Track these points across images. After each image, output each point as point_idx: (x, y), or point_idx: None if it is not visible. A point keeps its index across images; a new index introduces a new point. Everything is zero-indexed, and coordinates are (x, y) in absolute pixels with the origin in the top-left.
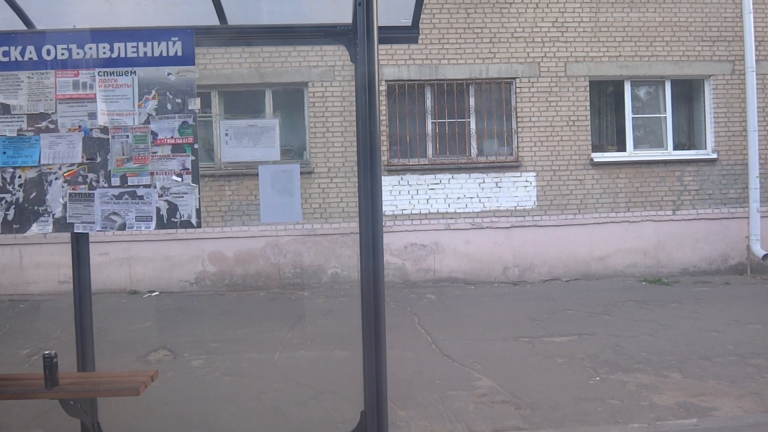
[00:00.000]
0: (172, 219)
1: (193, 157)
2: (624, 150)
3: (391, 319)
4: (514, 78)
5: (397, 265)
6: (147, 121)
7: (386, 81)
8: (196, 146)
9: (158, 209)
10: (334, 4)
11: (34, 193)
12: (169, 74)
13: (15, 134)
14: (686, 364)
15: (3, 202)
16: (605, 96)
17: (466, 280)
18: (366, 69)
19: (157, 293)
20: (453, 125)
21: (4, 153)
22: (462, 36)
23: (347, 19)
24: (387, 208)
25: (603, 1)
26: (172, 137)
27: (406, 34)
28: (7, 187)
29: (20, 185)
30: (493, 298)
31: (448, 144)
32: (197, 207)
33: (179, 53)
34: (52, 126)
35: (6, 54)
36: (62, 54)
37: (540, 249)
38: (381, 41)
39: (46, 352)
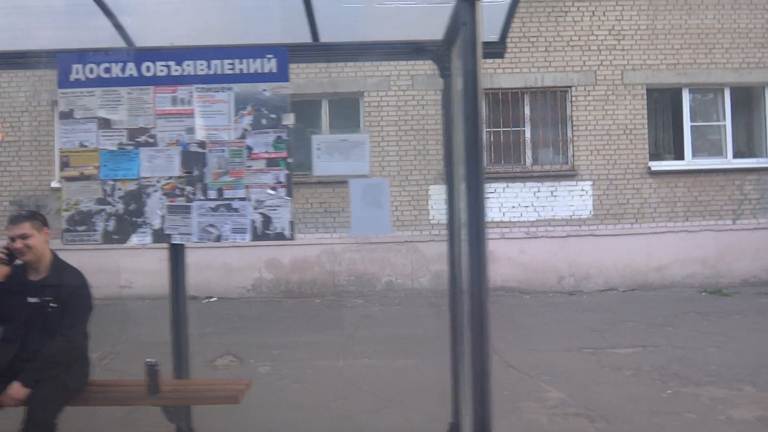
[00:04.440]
0: (266, 231)
1: (287, 171)
2: (682, 158)
3: (447, 328)
4: (570, 86)
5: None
6: (243, 136)
7: (441, 90)
8: (290, 160)
9: (253, 221)
10: (421, 21)
11: (133, 205)
12: (264, 90)
13: (115, 148)
14: (758, 377)
15: (103, 213)
16: (662, 104)
17: (521, 290)
18: (471, 84)
19: (215, 299)
20: (508, 134)
21: (105, 166)
22: (517, 45)
23: (432, 34)
24: (441, 216)
25: (660, 8)
26: (266, 152)
27: (494, 50)
28: (108, 199)
29: (120, 197)
30: (550, 308)
31: (503, 153)
32: (290, 220)
33: (274, 70)
34: (151, 140)
35: (108, 70)
36: (161, 70)
37: (596, 259)
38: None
39: (149, 360)
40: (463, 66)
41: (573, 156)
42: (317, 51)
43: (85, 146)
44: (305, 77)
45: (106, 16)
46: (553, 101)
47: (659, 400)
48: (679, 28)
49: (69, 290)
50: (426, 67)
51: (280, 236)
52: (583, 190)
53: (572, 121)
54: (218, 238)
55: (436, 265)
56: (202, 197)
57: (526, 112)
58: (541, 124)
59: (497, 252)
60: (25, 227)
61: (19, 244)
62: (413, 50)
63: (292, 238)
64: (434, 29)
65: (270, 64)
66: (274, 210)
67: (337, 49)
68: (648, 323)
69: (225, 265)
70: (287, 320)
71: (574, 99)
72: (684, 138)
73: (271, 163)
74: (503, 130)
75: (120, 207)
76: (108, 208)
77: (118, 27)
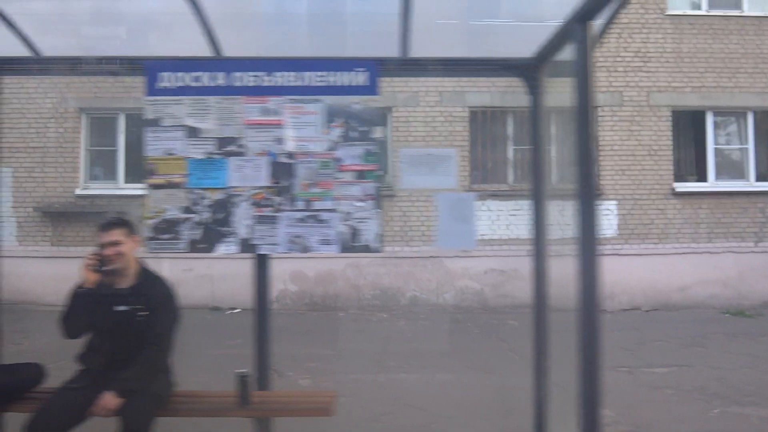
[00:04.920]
0: (354, 243)
1: (376, 184)
2: (705, 180)
3: (479, 344)
4: (596, 107)
5: (475, 289)
6: (332, 148)
7: (468, 107)
8: (379, 173)
9: (341, 233)
10: (507, 40)
11: (220, 214)
12: (354, 103)
13: (203, 157)
14: None
15: (189, 222)
16: (686, 126)
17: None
18: (583, 101)
19: (239, 310)
20: (527, 152)
21: (193, 174)
22: None
23: (518, 52)
24: None
25: (685, 31)
26: (356, 164)
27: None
28: (195, 207)
29: (207, 206)
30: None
31: (529, 171)
32: (378, 232)
33: (363, 83)
34: (239, 150)
35: (197, 79)
36: (250, 81)
37: (620, 278)
38: (553, 74)
39: (240, 370)
40: (578, 84)
41: (598, 175)
42: (406, 65)
43: (172, 154)
44: None
45: (200, 25)
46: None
47: (708, 419)
48: (703, 51)
49: (158, 298)
50: (454, 83)
51: (366, 249)
52: (608, 209)
53: (598, 141)
54: (305, 249)
55: (461, 281)
56: (290, 208)
57: (552, 131)
58: (567, 143)
59: (522, 269)
60: (117, 234)
61: (110, 251)
62: (502, 67)
63: (379, 251)
64: (520, 47)
65: (359, 77)
66: (363, 222)
67: (426, 64)
68: (678, 343)
69: (249, 276)
70: (314, 333)
71: (600, 119)
72: (707, 160)
73: (360, 175)
74: (529, 149)
75: (206, 216)
76: (195, 217)
77: (210, 35)
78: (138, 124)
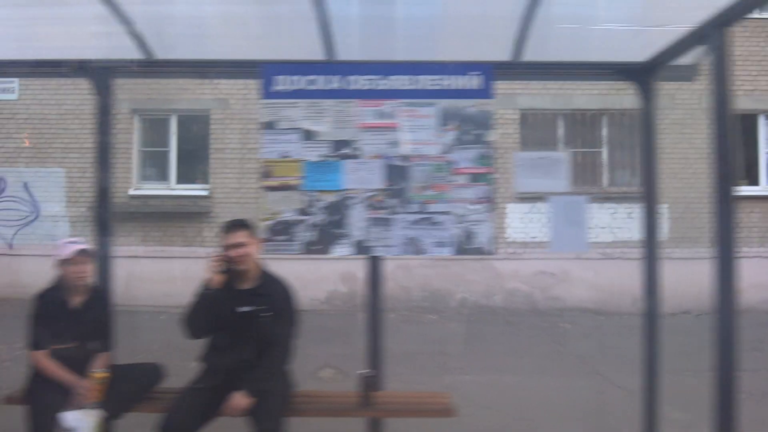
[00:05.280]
0: (467, 246)
1: (490, 186)
2: (757, 184)
3: (534, 347)
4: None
5: (525, 292)
6: (446, 151)
7: (520, 109)
8: (493, 176)
9: (456, 236)
10: (620, 45)
11: (334, 216)
12: (468, 107)
13: (318, 159)
14: None
15: (305, 224)
16: (738, 129)
17: (595, 311)
18: (721, 105)
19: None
20: (585, 155)
21: (308, 177)
22: None
23: (629, 57)
24: (518, 235)
25: (738, 34)
26: (470, 167)
27: (686, 73)
28: (310, 209)
29: (322, 208)
30: (629, 330)
31: (580, 173)
32: (492, 235)
33: (478, 86)
34: (353, 152)
35: (312, 82)
36: (365, 84)
37: (670, 281)
38: (664, 79)
39: (364, 371)
40: (716, 89)
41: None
42: (520, 69)
43: (287, 157)
44: None
45: (319, 28)
46: (630, 123)
47: None
48: (756, 55)
49: (280, 300)
50: (505, 87)
51: (479, 251)
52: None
53: None
54: (419, 251)
55: (510, 283)
56: (404, 210)
57: (603, 134)
58: (619, 146)
59: (572, 272)
60: (242, 236)
61: (235, 252)
62: (616, 72)
63: (492, 253)
64: (632, 52)
65: (473, 81)
66: (477, 225)
67: (540, 67)
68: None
69: (300, 276)
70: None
71: None
72: (759, 164)
73: (475, 178)
74: (581, 151)
75: (321, 218)
76: (309, 219)
77: (327, 39)
78: (189, 124)
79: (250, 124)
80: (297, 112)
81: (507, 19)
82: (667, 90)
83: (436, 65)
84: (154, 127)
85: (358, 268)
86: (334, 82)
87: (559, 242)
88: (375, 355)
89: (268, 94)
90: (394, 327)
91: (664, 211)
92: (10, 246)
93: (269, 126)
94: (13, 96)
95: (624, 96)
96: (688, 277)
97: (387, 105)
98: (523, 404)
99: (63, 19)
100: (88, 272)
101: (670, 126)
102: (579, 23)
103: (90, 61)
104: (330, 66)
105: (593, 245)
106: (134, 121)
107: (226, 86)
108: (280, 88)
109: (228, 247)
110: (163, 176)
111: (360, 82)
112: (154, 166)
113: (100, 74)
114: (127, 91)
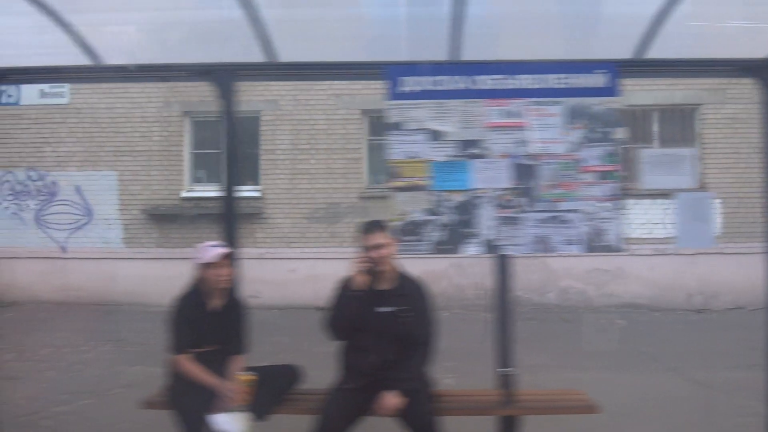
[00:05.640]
0: (596, 243)
1: (618, 184)
2: None
3: (597, 344)
4: (699, 104)
5: (579, 289)
6: (573, 149)
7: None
8: (621, 173)
9: (585, 233)
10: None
11: (463, 216)
12: (594, 105)
13: (446, 159)
14: None
15: (434, 224)
16: None
17: (650, 306)
18: None
19: None
20: (638, 150)
21: (436, 177)
22: None
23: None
24: None
25: None
26: (598, 164)
27: None
28: (438, 209)
29: (450, 208)
30: (687, 326)
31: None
32: (621, 232)
33: (603, 85)
34: (481, 152)
35: (438, 83)
36: (491, 84)
37: (724, 277)
38: None
39: (504, 369)
40: None
41: (702, 173)
42: (645, 67)
43: (415, 157)
44: None
45: (450, 28)
46: (681, 118)
47: None
48: None
49: (418, 300)
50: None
51: (609, 248)
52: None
53: (701, 139)
54: (549, 250)
55: (564, 280)
56: (533, 209)
57: (655, 129)
58: (671, 141)
59: (626, 268)
60: (381, 237)
61: (375, 253)
62: (738, 68)
63: (621, 250)
64: (748, 49)
65: (599, 79)
66: (607, 222)
67: (663, 64)
68: None
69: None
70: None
71: (703, 117)
72: None
73: (603, 175)
74: (633, 147)
75: (450, 217)
76: (438, 219)
77: (456, 40)
78: (240, 126)
79: (300, 125)
80: (423, 113)
81: (634, 17)
82: (719, 85)
83: (562, 64)
84: (206, 129)
85: (412, 267)
86: (460, 83)
87: (685, 238)
88: (506, 353)
89: (395, 95)
90: (451, 326)
91: (716, 206)
92: (64, 249)
93: (396, 127)
94: (64, 100)
95: (675, 92)
96: (742, 272)
97: (513, 104)
98: (615, 402)
99: (186, 24)
100: (230, 275)
101: (722, 121)
102: (699, 21)
103: (213, 65)
104: (456, 66)
105: (648, 241)
106: (185, 124)
107: (277, 87)
108: (406, 89)
109: (368, 248)
110: (215, 178)
111: (486, 81)
112: (206, 168)
113: (223, 77)
114: (177, 94)
